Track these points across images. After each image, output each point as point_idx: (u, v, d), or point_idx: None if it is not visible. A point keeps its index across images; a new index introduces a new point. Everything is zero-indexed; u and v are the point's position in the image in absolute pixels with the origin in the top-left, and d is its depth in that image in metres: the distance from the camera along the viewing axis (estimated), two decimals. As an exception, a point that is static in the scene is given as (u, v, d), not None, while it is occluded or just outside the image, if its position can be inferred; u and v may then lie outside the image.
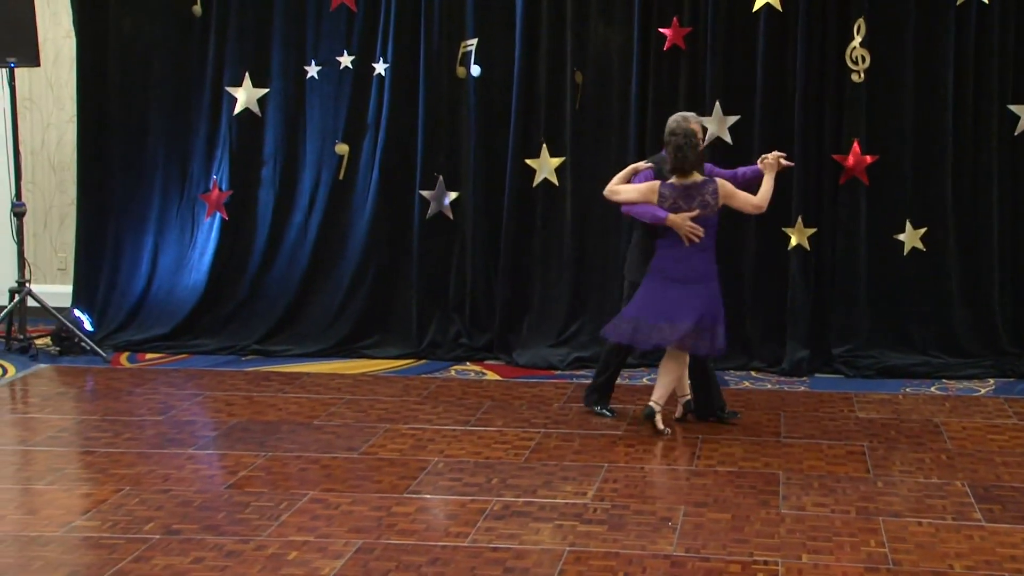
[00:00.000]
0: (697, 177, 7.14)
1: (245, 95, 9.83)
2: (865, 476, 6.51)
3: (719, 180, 7.16)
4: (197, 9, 9.80)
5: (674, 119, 7.25)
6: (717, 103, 9.07)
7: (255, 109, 9.85)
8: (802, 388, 8.38)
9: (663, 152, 7.36)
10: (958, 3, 8.74)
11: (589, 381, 8.04)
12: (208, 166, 9.95)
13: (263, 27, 9.82)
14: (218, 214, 9.91)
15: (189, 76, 9.94)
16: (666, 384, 7.37)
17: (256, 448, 7.07)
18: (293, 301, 9.83)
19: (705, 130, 7.62)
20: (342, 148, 9.72)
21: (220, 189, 9.89)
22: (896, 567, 5.26)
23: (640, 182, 7.33)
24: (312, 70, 9.73)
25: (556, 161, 9.43)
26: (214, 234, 9.94)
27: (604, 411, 7.73)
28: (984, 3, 8.68)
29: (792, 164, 7.20)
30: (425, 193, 9.61)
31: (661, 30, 9.16)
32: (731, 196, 7.17)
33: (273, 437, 7.31)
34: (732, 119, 9.06)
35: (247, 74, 9.81)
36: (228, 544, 5.55)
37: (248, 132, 9.88)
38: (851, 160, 8.85)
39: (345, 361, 9.43)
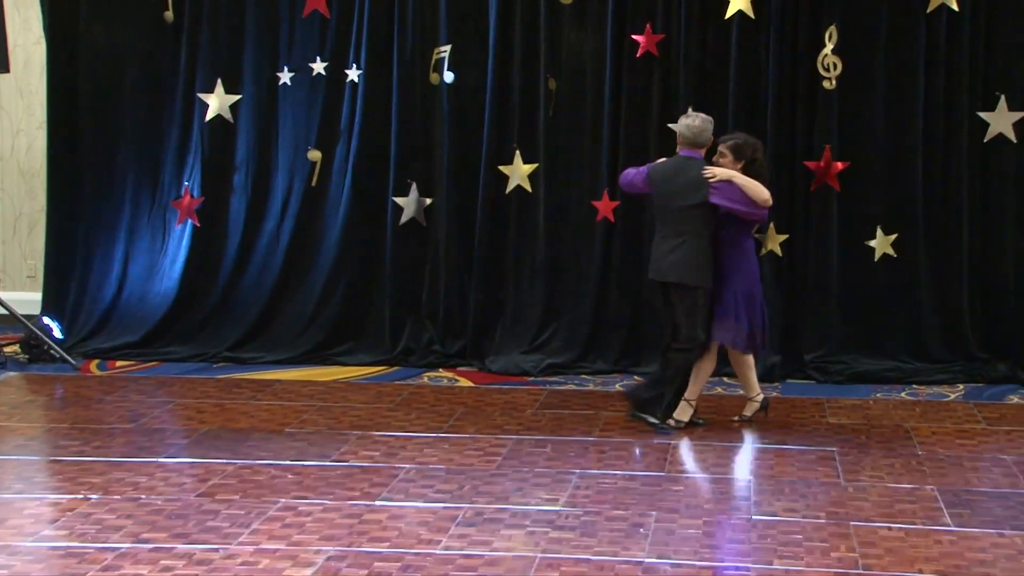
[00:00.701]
0: None
1: (217, 101, 9.81)
2: (836, 481, 6.55)
3: None
4: (169, 15, 9.78)
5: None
6: (690, 109, 9.08)
7: (227, 115, 9.83)
8: (774, 393, 8.41)
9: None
10: (928, 10, 8.82)
11: (563, 387, 8.02)
12: (180, 172, 9.92)
13: (235, 33, 9.81)
14: (190, 221, 9.88)
15: (160, 82, 9.91)
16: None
17: (227, 456, 7.04)
18: (265, 308, 9.81)
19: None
20: (315, 155, 9.71)
21: (192, 196, 9.86)
22: (866, 572, 5.29)
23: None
24: (285, 76, 9.73)
25: (529, 168, 9.45)
26: (185, 241, 9.91)
27: (697, 420, 7.66)
28: (954, 9, 8.75)
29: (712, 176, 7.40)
30: (398, 200, 9.62)
31: (634, 37, 9.20)
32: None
33: (244, 445, 7.28)
34: (705, 126, 9.10)
35: (219, 80, 9.80)
36: (198, 553, 5.53)
37: (220, 138, 9.86)
38: (823, 166, 8.91)
39: (317, 368, 9.42)
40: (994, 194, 8.96)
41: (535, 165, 9.44)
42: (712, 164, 7.52)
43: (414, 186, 9.60)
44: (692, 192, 7.39)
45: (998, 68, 8.88)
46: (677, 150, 7.66)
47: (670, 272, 7.45)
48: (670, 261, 7.44)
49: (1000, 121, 8.83)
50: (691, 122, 7.58)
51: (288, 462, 6.91)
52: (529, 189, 9.47)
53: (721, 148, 7.53)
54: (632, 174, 7.81)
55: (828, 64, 8.92)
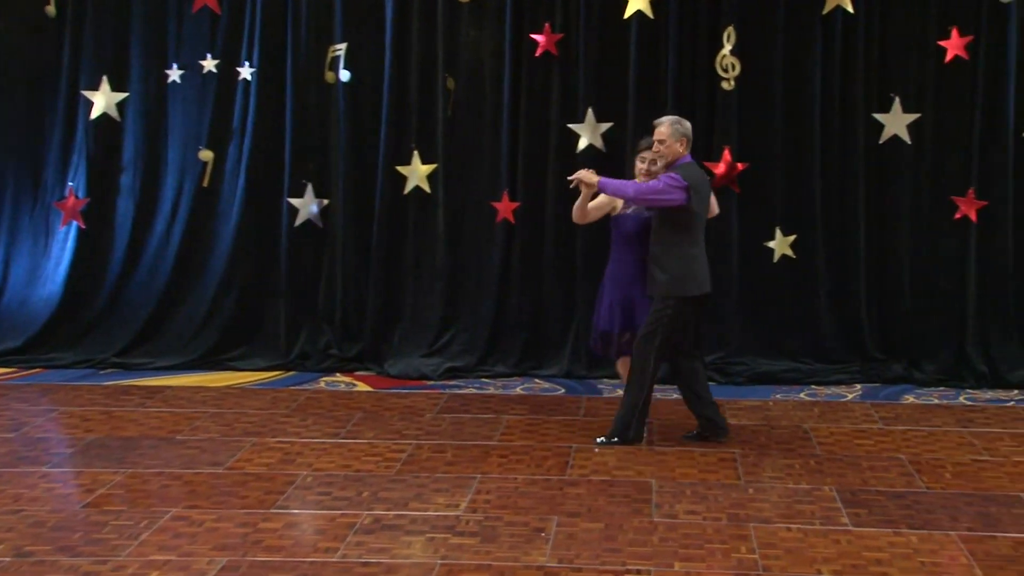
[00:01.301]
0: None
1: (103, 99, 9.65)
2: (736, 483, 6.64)
3: None
4: (51, 10, 9.60)
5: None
6: (590, 110, 9.19)
7: (113, 114, 9.68)
8: (675, 396, 8.50)
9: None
10: (824, 11, 9.00)
11: (463, 391, 8.00)
12: (63, 173, 9.75)
13: (121, 29, 9.66)
14: (74, 223, 9.70)
15: (42, 79, 9.73)
16: None
17: (115, 465, 6.92)
18: (155, 312, 9.68)
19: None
20: (206, 154, 9.60)
21: (76, 197, 9.68)
22: (766, 573, 5.38)
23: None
24: (174, 74, 9.60)
25: (428, 168, 9.44)
26: (70, 243, 9.73)
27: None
28: (849, 11, 8.94)
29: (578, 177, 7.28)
30: (293, 201, 9.54)
31: (533, 36, 9.24)
32: None
33: (133, 453, 7.16)
34: (605, 126, 9.19)
35: (105, 78, 9.64)
36: (84, 565, 5.42)
37: (106, 138, 9.71)
38: (722, 167, 9.03)
39: (210, 373, 9.31)
40: (890, 196, 9.16)
41: (434, 165, 9.44)
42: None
43: (310, 187, 9.54)
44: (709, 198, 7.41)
45: (893, 70, 9.09)
46: (685, 155, 7.19)
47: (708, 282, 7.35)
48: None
49: (895, 123, 9.04)
50: (687, 123, 7.28)
51: (179, 470, 6.81)
52: (428, 190, 9.46)
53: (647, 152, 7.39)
54: (664, 184, 7.01)
55: (726, 65, 9.05)
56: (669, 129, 7.16)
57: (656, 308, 7.15)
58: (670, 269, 7.11)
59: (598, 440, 7.35)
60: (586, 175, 7.26)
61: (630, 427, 7.29)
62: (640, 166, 7.41)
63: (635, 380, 7.25)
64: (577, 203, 7.46)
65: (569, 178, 7.35)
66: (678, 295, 7.12)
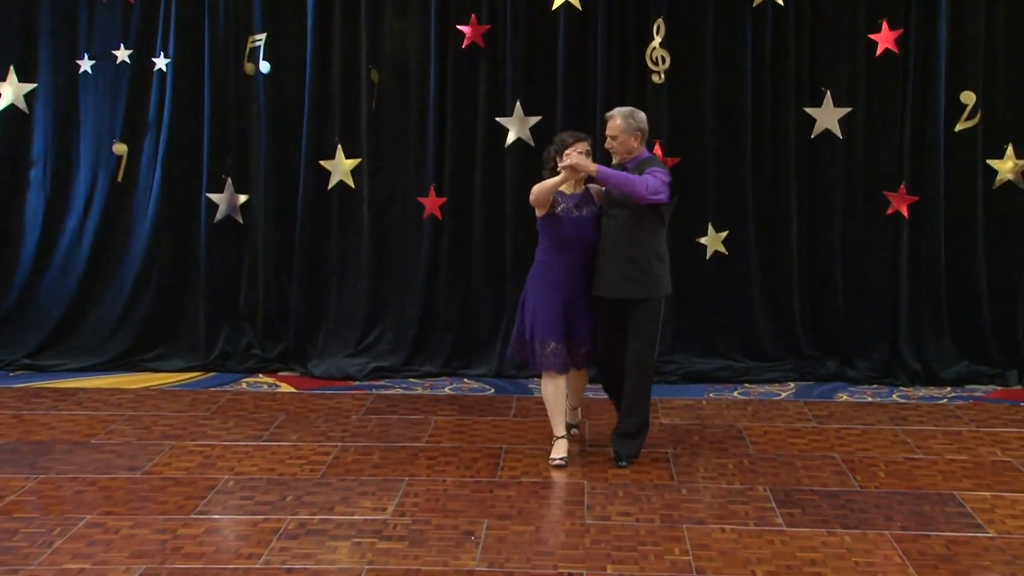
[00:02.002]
0: None
1: (10, 90, 9.49)
2: (669, 483, 6.68)
3: None
4: (-45, -3, 9.42)
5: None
6: (518, 103, 9.19)
7: (21, 105, 9.51)
8: (606, 396, 8.54)
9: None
10: (754, 4, 9.08)
11: (390, 392, 7.96)
12: (-32, 167, 9.57)
13: (29, 17, 9.50)
14: (-19, 219, 9.53)
15: (-56, 69, 9.55)
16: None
17: (26, 470, 6.80)
18: (67, 311, 9.54)
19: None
20: (120, 148, 9.47)
21: (-17, 192, 9.52)
22: (699, 575, 5.42)
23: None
24: (85, 64, 9.45)
25: (352, 163, 9.39)
26: (-24, 240, 9.56)
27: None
28: (779, 4, 9.03)
29: (572, 162, 6.66)
30: (212, 196, 9.44)
31: (459, 27, 9.22)
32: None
33: (45, 458, 7.05)
34: (534, 120, 9.20)
35: (11, 68, 9.47)
36: (-5, 576, 5.34)
37: (14, 130, 9.55)
38: (653, 163, 9.06)
39: (126, 375, 9.20)
40: (822, 191, 9.27)
41: (358, 160, 9.39)
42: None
43: (229, 182, 9.45)
44: None
45: (823, 63, 9.19)
46: (641, 151, 6.90)
47: None
48: None
49: (826, 117, 9.15)
50: (641, 115, 6.92)
51: (94, 475, 6.71)
52: (352, 185, 9.41)
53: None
54: (660, 182, 6.70)
55: (656, 57, 9.10)
56: (623, 123, 6.80)
57: (645, 312, 6.81)
58: (654, 269, 6.84)
59: (622, 464, 6.97)
60: (584, 161, 6.66)
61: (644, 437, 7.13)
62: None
63: (644, 392, 6.97)
64: (550, 184, 6.75)
65: (564, 164, 6.68)
66: (665, 294, 6.91)
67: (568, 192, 6.91)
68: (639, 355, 6.84)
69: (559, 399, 7.05)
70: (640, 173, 6.71)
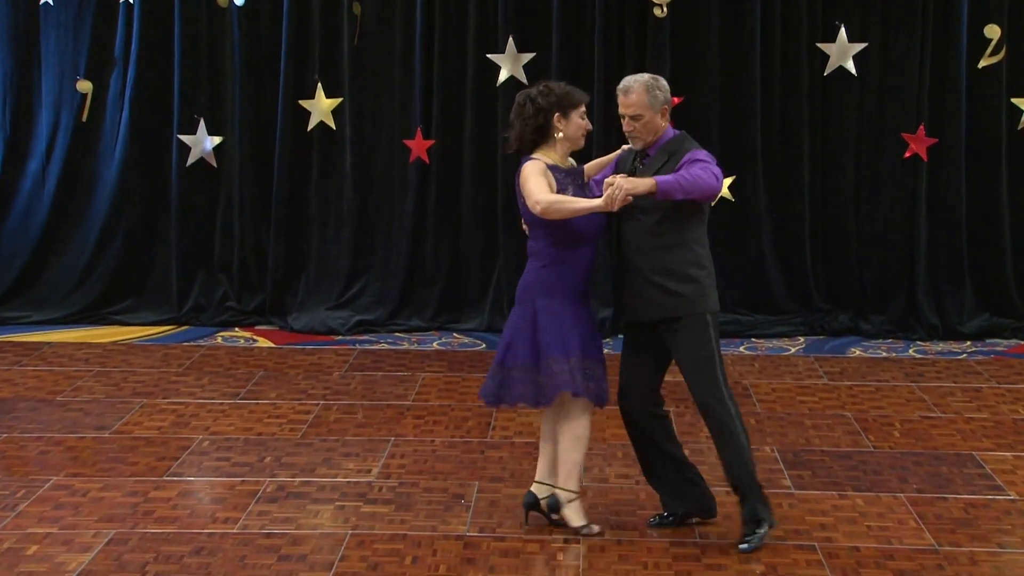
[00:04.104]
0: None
1: (-35, 24, 9.43)
2: (671, 443, 6.69)
3: (527, 161, 5.43)
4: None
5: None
6: (511, 39, 9.13)
7: (-23, 40, 9.47)
8: (607, 350, 8.54)
9: None
10: (765, -68, 9.03)
11: (374, 347, 7.99)
12: (-79, 108, 9.53)
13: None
14: (-64, 162, 9.49)
15: None
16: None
17: (-12, 430, 6.83)
18: (30, 261, 9.54)
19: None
20: (84, 85, 9.42)
21: (-62, 134, 9.48)
22: (703, 540, 5.44)
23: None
24: (46, -6, 9.41)
25: (333, 102, 9.35)
26: (-69, 185, 9.53)
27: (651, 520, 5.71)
28: (791, -66, 8.99)
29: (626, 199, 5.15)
30: (184, 138, 9.41)
31: (448, -44, 9.17)
32: (523, 183, 5.36)
33: (8, 416, 7.06)
34: (527, 57, 9.14)
35: (-34, -1, 9.42)
36: (-44, 541, 5.35)
37: (-29, 67, 9.49)
38: (655, 102, 9.00)
39: (93, 328, 9.21)
40: (834, 133, 9.26)
41: (339, 100, 9.35)
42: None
43: (202, 122, 9.41)
44: None
45: (838, -6, 9.15)
46: (667, 128, 5.50)
47: None
48: None
49: (840, 53, 9.11)
50: (663, 83, 5.49)
51: (60, 435, 6.73)
52: (333, 126, 9.37)
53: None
54: (709, 174, 5.29)
55: (659, -11, 9.04)
56: (645, 97, 5.37)
57: (690, 334, 5.42)
58: (696, 279, 5.44)
59: (742, 547, 5.37)
60: (635, 184, 5.17)
61: (761, 499, 5.44)
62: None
63: (727, 436, 5.41)
64: (581, 207, 5.25)
65: (610, 193, 5.11)
66: (713, 310, 5.49)
67: (565, 168, 5.52)
68: (703, 398, 5.43)
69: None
70: (672, 166, 5.36)
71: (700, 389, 5.43)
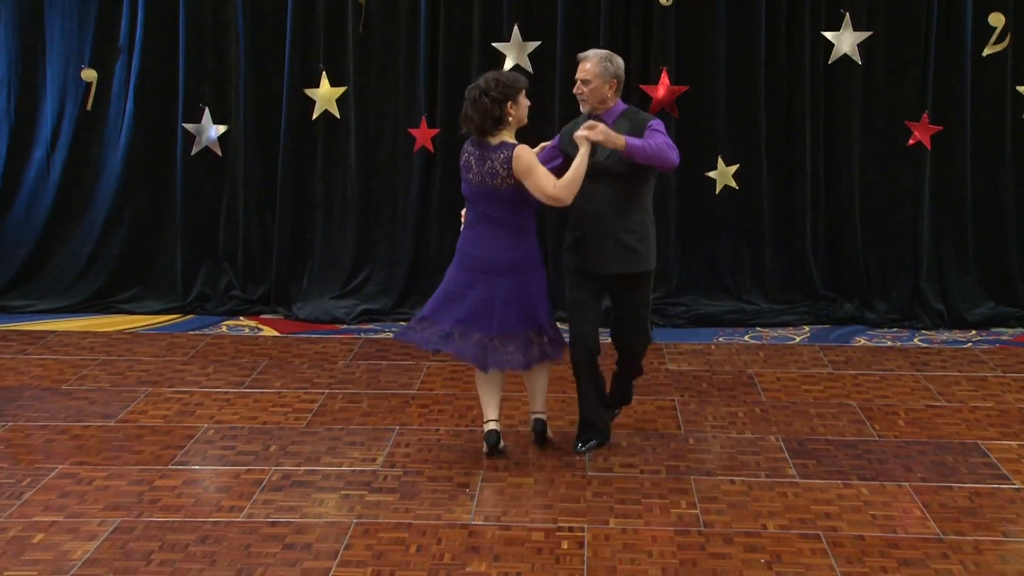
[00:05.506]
0: (495, 139, 6.09)
1: (-30, 12, 9.43)
2: (676, 433, 6.69)
3: (517, 148, 6.01)
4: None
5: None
6: (516, 27, 9.11)
7: (-18, 28, 9.46)
8: (610, 340, 8.54)
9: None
10: (771, -80, 9.00)
11: (379, 336, 8.01)
12: (-73, 94, 9.52)
13: (-10, -69, 9.41)
14: (-60, 151, 9.50)
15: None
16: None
17: (-6, 419, 6.84)
18: (35, 249, 9.54)
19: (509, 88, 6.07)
20: (89, 74, 9.41)
21: (-56, 122, 9.48)
22: (708, 528, 5.44)
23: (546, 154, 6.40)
24: (51, -18, 9.39)
25: (337, 91, 9.33)
26: (-64, 174, 9.53)
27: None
28: (798, -79, 8.95)
29: (599, 138, 5.90)
30: (189, 126, 9.40)
31: (453, -56, 9.15)
32: (526, 173, 5.95)
33: (13, 405, 7.07)
34: (532, 45, 9.12)
35: (-29, -13, 9.41)
36: (-38, 530, 5.36)
37: (-25, 55, 9.49)
38: (660, 91, 9.01)
39: (99, 317, 9.21)
40: (839, 121, 9.22)
41: (344, 88, 9.33)
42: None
43: (207, 111, 9.40)
44: None
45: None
46: (616, 102, 6.27)
47: None
48: None
49: (845, 41, 9.08)
50: (619, 60, 6.29)
51: (65, 423, 6.73)
52: (338, 115, 9.36)
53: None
54: (669, 140, 6.14)
55: (665, -22, 9.02)
56: (599, 67, 6.13)
57: (642, 290, 6.36)
58: (649, 239, 6.24)
59: (581, 447, 6.35)
60: (611, 135, 5.92)
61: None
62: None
63: (636, 373, 6.77)
64: (576, 174, 5.95)
65: (580, 135, 5.94)
66: (654, 267, 6.38)
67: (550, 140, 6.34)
68: (641, 347, 6.59)
69: None
70: (636, 132, 6.06)
71: (641, 337, 6.51)
